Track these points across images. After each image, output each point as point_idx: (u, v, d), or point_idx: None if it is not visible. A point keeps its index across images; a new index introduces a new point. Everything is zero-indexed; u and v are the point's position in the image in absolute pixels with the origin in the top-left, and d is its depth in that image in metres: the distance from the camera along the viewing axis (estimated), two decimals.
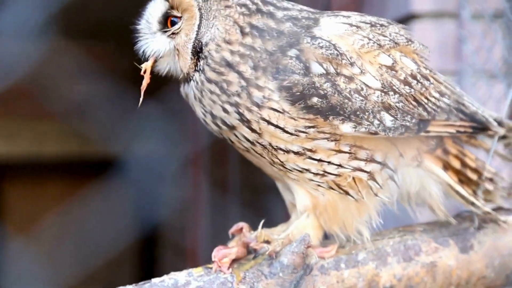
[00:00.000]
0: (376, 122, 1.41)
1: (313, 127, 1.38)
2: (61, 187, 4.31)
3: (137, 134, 4.34)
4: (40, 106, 4.33)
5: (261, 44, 1.37)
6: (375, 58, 1.43)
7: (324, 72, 1.37)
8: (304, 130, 1.38)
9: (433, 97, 1.50)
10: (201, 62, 1.40)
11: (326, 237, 1.55)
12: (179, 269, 1.43)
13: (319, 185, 1.45)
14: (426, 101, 1.48)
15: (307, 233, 1.46)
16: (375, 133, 1.41)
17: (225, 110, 1.39)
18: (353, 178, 1.44)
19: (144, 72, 1.44)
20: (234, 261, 1.46)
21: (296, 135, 1.38)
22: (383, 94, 1.41)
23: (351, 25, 1.44)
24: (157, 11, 1.45)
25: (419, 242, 1.56)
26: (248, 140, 1.41)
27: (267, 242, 1.49)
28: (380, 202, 1.50)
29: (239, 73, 1.37)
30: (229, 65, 1.37)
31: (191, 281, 1.40)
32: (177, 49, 1.44)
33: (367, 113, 1.40)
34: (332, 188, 1.46)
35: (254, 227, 1.53)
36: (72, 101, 4.34)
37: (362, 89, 1.40)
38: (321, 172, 1.43)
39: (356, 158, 1.43)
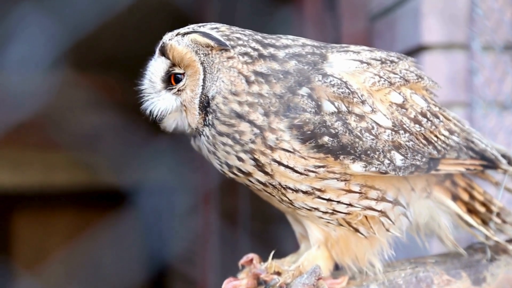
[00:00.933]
0: (386, 161, 1.41)
1: (323, 166, 1.38)
2: (70, 218, 4.32)
3: (147, 165, 4.36)
4: (50, 137, 4.35)
5: (268, 89, 1.37)
6: (386, 96, 1.44)
7: (336, 110, 1.37)
8: (313, 169, 1.38)
9: (443, 135, 1.50)
10: (210, 116, 1.40)
11: (337, 268, 1.55)
12: None
13: (328, 222, 1.46)
14: (435, 139, 1.49)
15: (318, 264, 1.46)
16: (385, 173, 1.41)
17: (240, 159, 1.40)
18: (364, 216, 1.45)
19: None
20: None
21: (306, 175, 1.38)
22: (393, 133, 1.42)
23: (361, 62, 1.45)
24: (159, 70, 1.45)
25: (431, 274, 1.56)
26: (261, 182, 1.42)
27: (278, 273, 1.50)
28: (392, 235, 1.51)
29: (251, 122, 1.37)
30: (239, 116, 1.37)
31: None
32: (184, 105, 1.44)
33: (377, 153, 1.40)
34: (342, 225, 1.46)
35: (264, 258, 1.54)
36: (81, 132, 4.37)
37: (373, 128, 1.40)
38: (331, 211, 1.43)
39: (367, 198, 1.43)
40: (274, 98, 1.37)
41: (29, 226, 4.42)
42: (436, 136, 1.49)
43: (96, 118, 4.36)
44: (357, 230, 1.46)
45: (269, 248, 1.55)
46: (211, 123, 1.39)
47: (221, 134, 1.39)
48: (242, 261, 1.54)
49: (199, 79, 1.40)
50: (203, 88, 1.40)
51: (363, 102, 1.40)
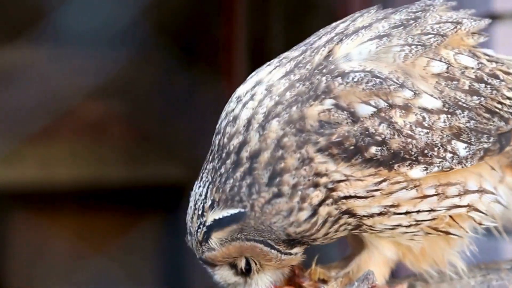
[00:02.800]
0: (448, 155, 1.38)
1: (384, 180, 1.36)
2: (75, 219, 4.36)
3: (161, 157, 4.39)
4: (50, 125, 4.39)
5: (294, 159, 1.35)
6: (425, 69, 1.39)
7: (375, 110, 1.35)
8: (376, 188, 1.36)
9: (508, 98, 1.44)
10: (305, 241, 1.42)
11: (393, 275, 1.55)
12: None
13: (415, 235, 1.45)
14: (500, 106, 1.43)
15: (371, 270, 1.46)
16: (450, 169, 1.38)
17: (349, 224, 1.42)
18: (450, 216, 1.43)
19: None
20: None
21: (371, 196, 1.36)
22: (448, 116, 1.38)
23: (380, 36, 1.41)
24: (226, 274, 1.45)
25: (506, 283, 1.55)
26: (355, 227, 1.43)
27: (323, 281, 1.50)
28: (472, 228, 1.49)
29: (312, 205, 1.37)
30: (315, 210, 1.37)
31: None
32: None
33: (436, 148, 1.37)
34: (430, 233, 1.44)
35: (305, 265, 1.54)
36: (87, 120, 4.41)
37: (424, 118, 1.36)
38: (414, 223, 1.41)
39: (447, 197, 1.41)
40: (305, 169, 1.36)
41: (27, 229, 4.47)
42: (499, 102, 1.43)
43: (104, 104, 4.40)
44: (447, 233, 1.45)
45: (310, 255, 1.55)
46: (311, 240, 1.42)
47: (327, 234, 1.41)
48: None
49: (261, 249, 1.41)
50: (272, 246, 1.40)
51: (401, 85, 1.36)
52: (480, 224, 1.47)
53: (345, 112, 1.34)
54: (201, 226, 1.39)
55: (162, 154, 4.40)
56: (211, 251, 1.39)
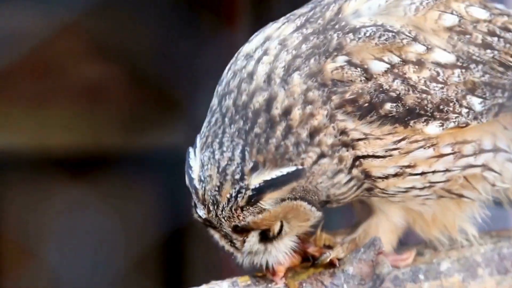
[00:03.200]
0: (464, 110, 1.39)
1: (403, 139, 1.38)
2: (70, 186, 4.36)
3: (160, 123, 4.39)
4: (44, 89, 4.38)
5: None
6: (437, 23, 1.41)
7: (388, 66, 1.36)
8: (394, 146, 1.38)
9: None
10: (335, 203, 1.44)
11: (401, 243, 1.56)
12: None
13: (427, 199, 1.47)
14: None
15: (378, 236, 1.47)
16: (466, 125, 1.40)
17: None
18: (465, 177, 1.45)
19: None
20: (288, 269, 1.47)
21: (389, 156, 1.38)
22: (462, 70, 1.39)
23: None
24: (253, 240, 1.42)
25: None
26: (367, 189, 1.44)
27: (329, 247, 1.51)
28: (494, 193, 1.51)
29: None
30: (350, 171, 1.39)
31: None
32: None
33: (451, 103, 1.39)
34: (443, 196, 1.46)
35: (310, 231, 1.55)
36: (82, 83, 4.40)
37: (438, 73, 1.38)
38: (428, 185, 1.43)
39: (463, 156, 1.42)
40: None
41: (21, 197, 4.47)
42: None
43: (101, 67, 4.39)
44: (461, 196, 1.47)
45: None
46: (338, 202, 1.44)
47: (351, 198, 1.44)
48: None
49: (304, 207, 1.40)
50: (314, 204, 1.41)
51: (414, 39, 1.38)
52: (493, 185, 1.48)
53: (359, 69, 1.36)
54: (243, 191, 1.35)
55: (162, 121, 4.40)
56: (256, 214, 1.36)
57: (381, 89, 1.35)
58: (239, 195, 1.35)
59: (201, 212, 1.38)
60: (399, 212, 1.50)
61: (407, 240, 1.58)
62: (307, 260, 1.50)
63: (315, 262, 1.47)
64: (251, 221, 1.37)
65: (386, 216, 1.51)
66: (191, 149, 1.42)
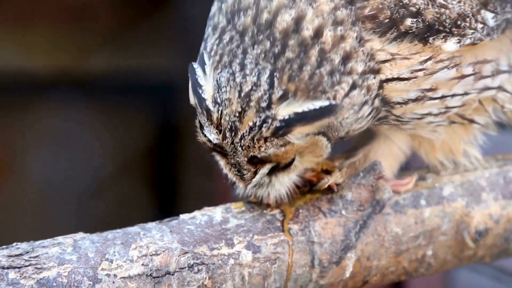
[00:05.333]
0: (479, 26, 1.43)
1: (429, 59, 1.39)
2: (56, 108, 4.36)
3: (148, 45, 4.36)
4: (28, 9, 4.35)
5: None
6: None
7: None
8: (420, 67, 1.39)
9: None
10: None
11: (402, 168, 1.56)
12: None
13: (438, 125, 1.48)
14: None
15: (378, 160, 1.47)
16: (480, 40, 1.43)
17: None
18: (479, 101, 1.48)
19: None
20: None
21: (414, 77, 1.39)
22: None
23: None
24: (263, 171, 1.39)
25: None
26: (380, 118, 1.44)
27: (327, 172, 1.51)
28: (499, 115, 1.54)
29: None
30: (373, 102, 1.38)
31: (229, 219, 1.43)
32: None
33: (468, 18, 1.41)
34: (454, 122, 1.48)
35: None
36: (69, 3, 4.36)
37: None
38: (444, 110, 1.45)
39: (482, 77, 1.45)
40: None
41: (7, 120, 4.48)
42: None
43: None
44: (472, 121, 1.49)
45: None
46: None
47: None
48: None
49: (323, 143, 1.38)
50: (330, 141, 1.38)
51: None
52: (502, 106, 1.51)
53: None
54: (269, 120, 1.31)
55: (151, 42, 4.37)
56: (279, 147, 1.34)
57: (401, 3, 1.36)
58: (264, 125, 1.31)
59: (212, 136, 1.35)
60: (405, 139, 1.52)
61: (409, 165, 1.58)
62: (304, 186, 1.50)
63: (313, 188, 1.47)
64: (273, 153, 1.34)
65: (390, 141, 1.51)
66: (196, 66, 1.38)
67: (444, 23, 1.39)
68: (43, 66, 4.33)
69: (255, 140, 1.32)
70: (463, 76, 1.43)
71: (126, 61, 4.41)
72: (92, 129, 4.30)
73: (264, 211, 1.44)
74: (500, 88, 1.48)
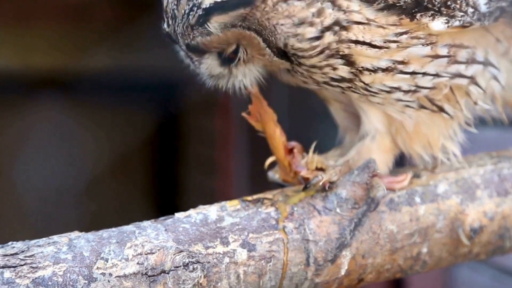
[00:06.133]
0: (470, 10, 1.44)
1: (405, 33, 1.41)
2: (56, 106, 4.37)
3: (147, 43, 4.36)
4: (26, 8, 4.35)
5: None
6: None
7: None
8: (395, 39, 1.41)
9: None
10: (293, 58, 1.44)
11: (397, 165, 1.57)
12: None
13: (407, 106, 1.49)
14: None
15: (372, 158, 1.48)
16: (470, 24, 1.45)
17: (335, 69, 1.45)
18: (450, 88, 1.48)
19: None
20: (279, 193, 1.49)
21: (386, 48, 1.41)
22: None
23: None
24: (212, 64, 1.47)
25: None
26: (344, 79, 1.45)
27: (321, 169, 1.52)
28: (475, 111, 1.54)
29: (328, 28, 1.40)
30: (318, 38, 1.40)
31: (224, 217, 1.44)
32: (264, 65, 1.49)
33: (458, 1, 1.43)
34: (423, 107, 1.49)
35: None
36: (68, 2, 4.36)
37: None
38: (413, 88, 1.46)
39: (456, 62, 1.46)
40: None
41: (4, 119, 4.48)
42: None
43: None
44: (441, 109, 1.49)
45: (307, 144, 1.56)
46: (298, 63, 1.44)
47: (313, 66, 1.44)
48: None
49: (258, 42, 1.43)
50: (269, 45, 1.43)
51: None
52: (475, 103, 1.52)
53: None
54: (195, 9, 1.38)
55: (149, 40, 4.37)
56: (205, 36, 1.40)
57: None
58: (190, 13, 1.38)
59: (164, 25, 1.44)
60: (380, 116, 1.52)
61: (403, 162, 1.59)
62: (298, 184, 1.51)
63: (307, 186, 1.48)
64: (200, 41, 1.40)
65: (382, 135, 1.52)
66: None
67: (433, 1, 1.41)
68: (41, 65, 4.33)
69: (185, 28, 1.40)
70: (437, 56, 1.45)
71: (125, 59, 4.41)
72: (90, 127, 4.31)
73: (259, 209, 1.45)
74: (472, 79, 1.49)
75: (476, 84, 1.50)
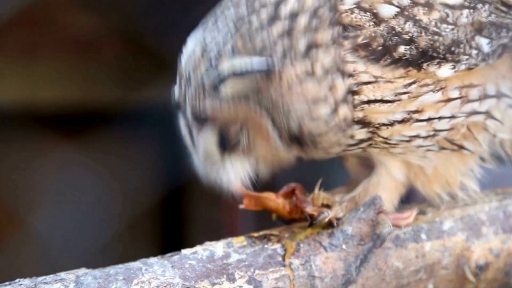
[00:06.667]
0: (474, 52, 1.45)
1: (414, 82, 1.43)
2: (62, 144, 4.37)
3: (155, 77, 4.38)
4: (34, 40, 4.38)
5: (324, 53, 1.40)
6: None
7: (398, 9, 1.41)
8: (405, 90, 1.42)
9: None
10: (309, 143, 1.44)
11: (402, 202, 1.58)
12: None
13: (428, 150, 1.50)
14: None
15: (378, 194, 1.49)
16: (476, 66, 1.46)
17: (352, 137, 1.45)
18: (467, 126, 1.49)
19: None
20: (285, 229, 1.49)
21: (398, 100, 1.42)
22: (470, 11, 1.45)
23: None
24: (210, 140, 1.46)
25: None
26: (363, 141, 1.46)
27: (327, 206, 1.53)
28: (494, 145, 1.56)
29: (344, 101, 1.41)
30: (336, 106, 1.40)
31: (230, 253, 1.44)
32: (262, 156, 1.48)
33: (462, 45, 1.44)
34: (444, 148, 1.50)
35: (308, 190, 1.56)
36: (74, 36, 4.39)
37: (447, 14, 1.43)
38: (432, 133, 1.47)
39: (469, 101, 1.47)
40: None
41: (7, 159, 4.47)
42: None
43: (93, 17, 4.36)
44: (461, 147, 1.51)
45: (313, 180, 1.57)
46: (313, 145, 1.44)
47: (331, 146, 1.45)
48: (282, 191, 1.56)
49: (266, 122, 1.43)
50: (278, 127, 1.42)
51: None
52: (494, 135, 1.53)
53: (368, 13, 1.40)
54: (211, 70, 1.40)
55: (157, 75, 4.38)
56: (216, 100, 1.40)
57: (393, 31, 1.40)
58: (206, 74, 1.39)
59: (176, 89, 1.44)
60: (399, 166, 1.53)
61: (409, 199, 1.60)
62: (304, 220, 1.52)
63: (313, 222, 1.49)
64: (208, 107, 1.40)
65: (386, 169, 1.53)
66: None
67: (438, 49, 1.42)
68: (49, 99, 4.34)
69: (198, 91, 1.40)
70: (449, 100, 1.46)
71: (131, 94, 4.43)
72: (96, 162, 4.31)
73: (265, 246, 1.46)
74: (488, 114, 1.50)
75: (492, 117, 1.51)
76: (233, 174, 1.47)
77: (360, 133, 1.44)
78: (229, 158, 1.46)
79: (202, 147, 1.46)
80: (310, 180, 1.56)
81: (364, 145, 1.47)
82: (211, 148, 1.45)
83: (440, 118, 1.46)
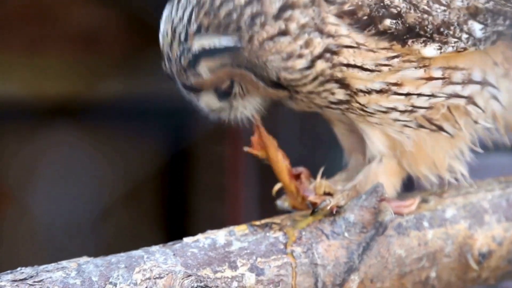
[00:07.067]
0: (464, 36, 1.44)
1: (397, 56, 1.42)
2: (67, 135, 4.37)
3: (159, 69, 4.38)
4: (38, 35, 4.38)
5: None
6: None
7: None
8: (386, 62, 1.42)
9: None
10: (290, 88, 1.46)
11: (405, 189, 1.57)
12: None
13: (405, 125, 1.49)
14: None
15: (380, 182, 1.49)
16: (464, 50, 1.45)
17: (332, 93, 1.46)
18: (448, 108, 1.48)
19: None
20: (287, 218, 1.49)
21: (378, 71, 1.42)
22: None
23: None
24: (210, 100, 1.51)
25: None
26: (342, 102, 1.47)
27: (329, 194, 1.53)
28: (477, 131, 1.54)
29: (321, 56, 1.42)
30: (309, 67, 1.42)
31: (232, 242, 1.44)
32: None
33: (452, 27, 1.44)
34: (422, 126, 1.49)
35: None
36: (79, 29, 4.39)
37: None
38: (410, 108, 1.47)
39: (451, 83, 1.47)
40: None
41: (16, 148, 4.49)
42: None
43: (98, 11, 4.37)
44: (440, 128, 1.50)
45: (315, 168, 1.57)
46: (295, 91, 1.46)
47: (310, 92, 1.46)
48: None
49: (251, 77, 1.46)
50: (262, 79, 1.45)
51: None
52: (476, 122, 1.52)
53: None
54: (185, 53, 1.43)
55: (160, 66, 4.38)
56: (197, 77, 1.45)
57: (382, 3, 1.40)
58: (182, 57, 1.43)
59: (163, 64, 1.48)
60: (380, 136, 1.52)
61: (412, 188, 1.60)
62: (306, 208, 1.52)
63: (315, 210, 1.49)
64: (194, 82, 1.45)
65: (368, 138, 1.53)
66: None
67: (425, 28, 1.42)
68: (52, 92, 4.34)
69: (179, 69, 1.44)
70: (431, 78, 1.45)
71: (137, 86, 4.43)
72: (102, 155, 4.31)
73: (267, 234, 1.46)
74: (470, 99, 1.49)
75: (474, 104, 1.50)
76: (245, 110, 1.52)
77: (339, 93, 1.45)
78: (236, 102, 1.50)
79: (206, 106, 1.51)
80: (315, 169, 1.57)
81: (343, 107, 1.47)
82: (215, 104, 1.50)
83: (419, 94, 1.46)
